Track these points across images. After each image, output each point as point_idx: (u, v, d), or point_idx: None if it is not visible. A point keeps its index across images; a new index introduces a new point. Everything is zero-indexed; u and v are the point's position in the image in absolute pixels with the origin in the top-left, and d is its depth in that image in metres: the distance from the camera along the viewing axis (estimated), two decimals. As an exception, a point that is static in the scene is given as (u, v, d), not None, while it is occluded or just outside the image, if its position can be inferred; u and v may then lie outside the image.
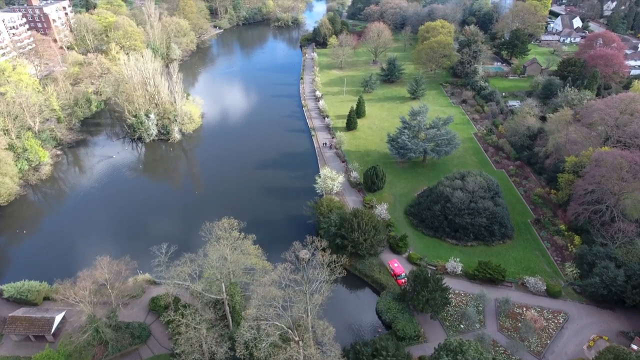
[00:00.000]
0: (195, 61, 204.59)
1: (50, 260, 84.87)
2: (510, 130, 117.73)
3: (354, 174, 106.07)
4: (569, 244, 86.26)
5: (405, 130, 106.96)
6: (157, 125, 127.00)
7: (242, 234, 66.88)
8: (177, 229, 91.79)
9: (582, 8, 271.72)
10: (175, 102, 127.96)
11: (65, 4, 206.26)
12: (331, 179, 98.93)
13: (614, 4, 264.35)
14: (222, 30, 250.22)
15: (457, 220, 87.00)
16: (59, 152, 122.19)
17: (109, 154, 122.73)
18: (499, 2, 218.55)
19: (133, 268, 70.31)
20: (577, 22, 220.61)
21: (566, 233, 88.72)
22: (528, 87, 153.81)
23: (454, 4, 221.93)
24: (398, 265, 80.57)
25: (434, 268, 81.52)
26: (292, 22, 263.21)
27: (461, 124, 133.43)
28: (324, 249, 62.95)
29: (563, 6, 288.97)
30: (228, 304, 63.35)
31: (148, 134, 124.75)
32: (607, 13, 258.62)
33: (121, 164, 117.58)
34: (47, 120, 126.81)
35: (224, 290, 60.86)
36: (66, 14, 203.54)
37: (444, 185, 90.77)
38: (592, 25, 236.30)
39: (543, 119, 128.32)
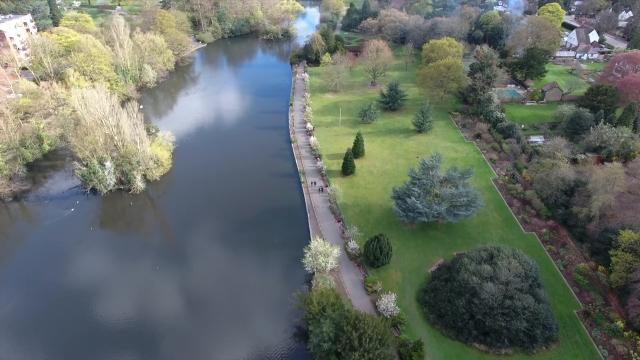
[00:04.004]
0: (174, 81, 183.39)
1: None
2: (540, 181, 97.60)
3: (353, 243, 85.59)
4: (632, 351, 66.46)
5: (415, 188, 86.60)
6: (115, 172, 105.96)
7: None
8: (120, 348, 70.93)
9: (594, 18, 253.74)
10: (137, 144, 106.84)
11: (27, 18, 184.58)
12: (324, 254, 78.61)
13: (629, 13, 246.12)
14: (205, 44, 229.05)
15: (487, 321, 66.88)
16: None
17: (58, 209, 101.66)
18: (509, 16, 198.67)
19: None
20: (593, 36, 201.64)
21: (626, 334, 68.90)
22: (551, 117, 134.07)
23: (459, 17, 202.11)
24: (413, 395, 60.28)
25: (461, 395, 61.49)
26: (282, 35, 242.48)
27: (477, 167, 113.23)
28: None
29: (573, 16, 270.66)
30: None
31: (104, 185, 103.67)
32: (622, 24, 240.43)
33: (65, 227, 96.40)
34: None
35: None
36: (27, 30, 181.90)
37: (469, 272, 70.62)
38: (609, 39, 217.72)
39: (574, 161, 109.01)
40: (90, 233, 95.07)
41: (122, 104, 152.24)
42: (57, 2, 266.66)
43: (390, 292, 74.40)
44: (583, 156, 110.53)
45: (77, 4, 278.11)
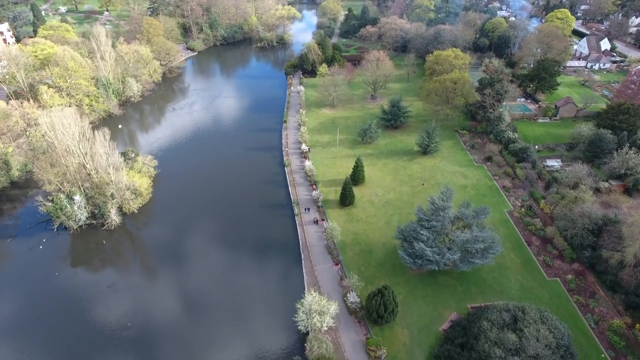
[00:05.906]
0: (161, 94, 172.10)
1: None
2: (562, 218, 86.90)
3: (353, 295, 74.65)
4: None
5: (423, 232, 75.74)
6: (87, 206, 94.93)
7: None
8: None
9: (602, 24, 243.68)
10: (111, 174, 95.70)
11: (4, 27, 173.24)
12: (319, 313, 67.83)
13: (639, 19, 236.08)
14: (196, 52, 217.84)
15: (514, 405, 56.26)
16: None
17: (22, 249, 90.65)
18: (516, 22, 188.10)
19: None
20: (605, 44, 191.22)
21: (677, 414, 58.46)
22: (566, 136, 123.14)
23: (463, 24, 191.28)
24: None
25: None
26: (276, 42, 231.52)
27: (489, 196, 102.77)
28: None
29: (580, 21, 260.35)
30: None
31: (74, 221, 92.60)
32: (632, 30, 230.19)
33: (27, 271, 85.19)
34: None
35: None
36: (4, 40, 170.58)
37: (490, 342, 59.84)
38: (620, 46, 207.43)
39: (596, 190, 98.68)
40: (55, 279, 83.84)
41: (103, 120, 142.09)
42: (42, 7, 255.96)
43: (397, 362, 63.62)
44: (606, 184, 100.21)
45: (63, 9, 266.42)
